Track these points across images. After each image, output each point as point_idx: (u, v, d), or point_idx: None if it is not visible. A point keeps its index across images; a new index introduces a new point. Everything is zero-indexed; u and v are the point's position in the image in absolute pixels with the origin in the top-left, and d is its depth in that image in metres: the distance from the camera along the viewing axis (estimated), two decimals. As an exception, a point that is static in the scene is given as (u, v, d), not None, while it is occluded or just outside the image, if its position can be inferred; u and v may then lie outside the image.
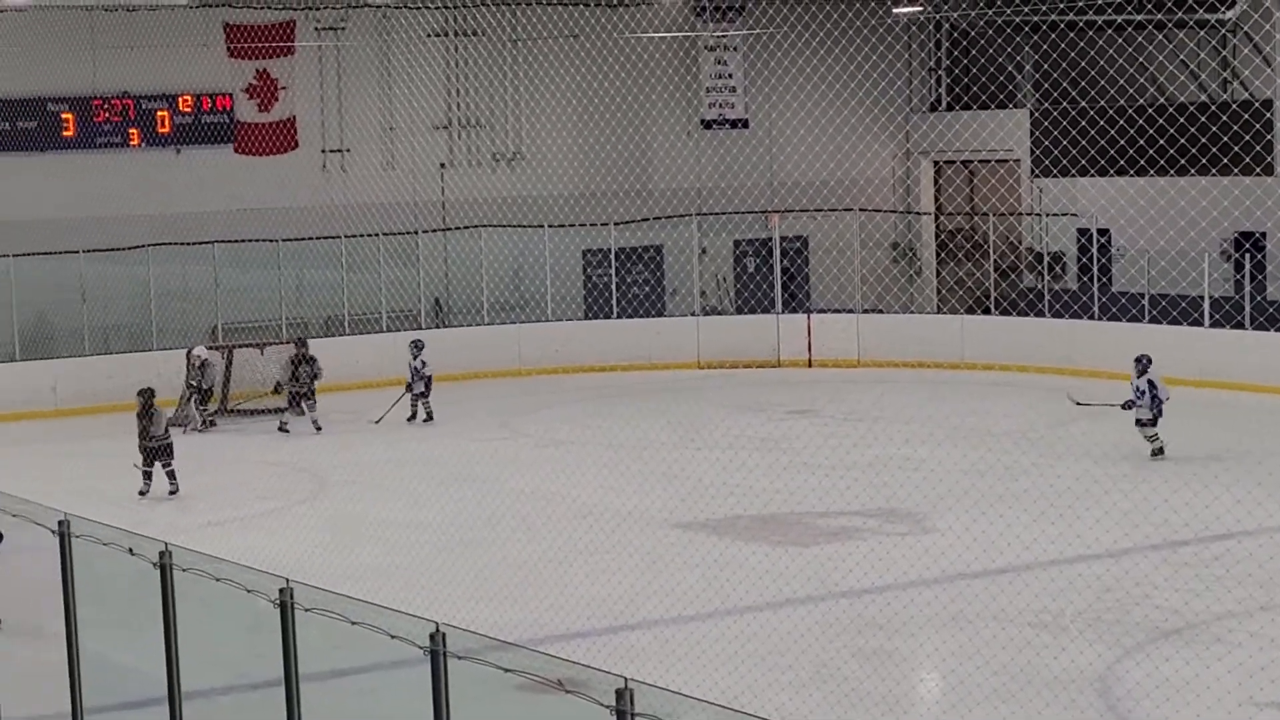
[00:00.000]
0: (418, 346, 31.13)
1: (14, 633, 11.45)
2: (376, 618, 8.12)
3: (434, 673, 7.74)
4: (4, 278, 33.74)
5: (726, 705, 7.31)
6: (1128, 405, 25.73)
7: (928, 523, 21.71)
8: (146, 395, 25.52)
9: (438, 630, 7.72)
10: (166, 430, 25.48)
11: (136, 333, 35.49)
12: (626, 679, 6.88)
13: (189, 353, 32.38)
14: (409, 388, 31.12)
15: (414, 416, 31.09)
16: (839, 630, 17.05)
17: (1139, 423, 25.62)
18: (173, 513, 24.06)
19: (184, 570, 9.37)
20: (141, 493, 24.95)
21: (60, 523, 10.13)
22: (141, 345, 35.07)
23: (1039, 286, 38.02)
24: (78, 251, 34.65)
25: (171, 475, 25.16)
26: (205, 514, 23.90)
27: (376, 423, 30.59)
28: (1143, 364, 25.81)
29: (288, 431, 30.41)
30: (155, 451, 25.21)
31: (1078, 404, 26.98)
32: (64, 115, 36.31)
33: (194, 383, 31.63)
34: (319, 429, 30.37)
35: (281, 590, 8.48)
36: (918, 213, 43.85)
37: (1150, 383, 25.56)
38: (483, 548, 21.21)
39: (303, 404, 30.68)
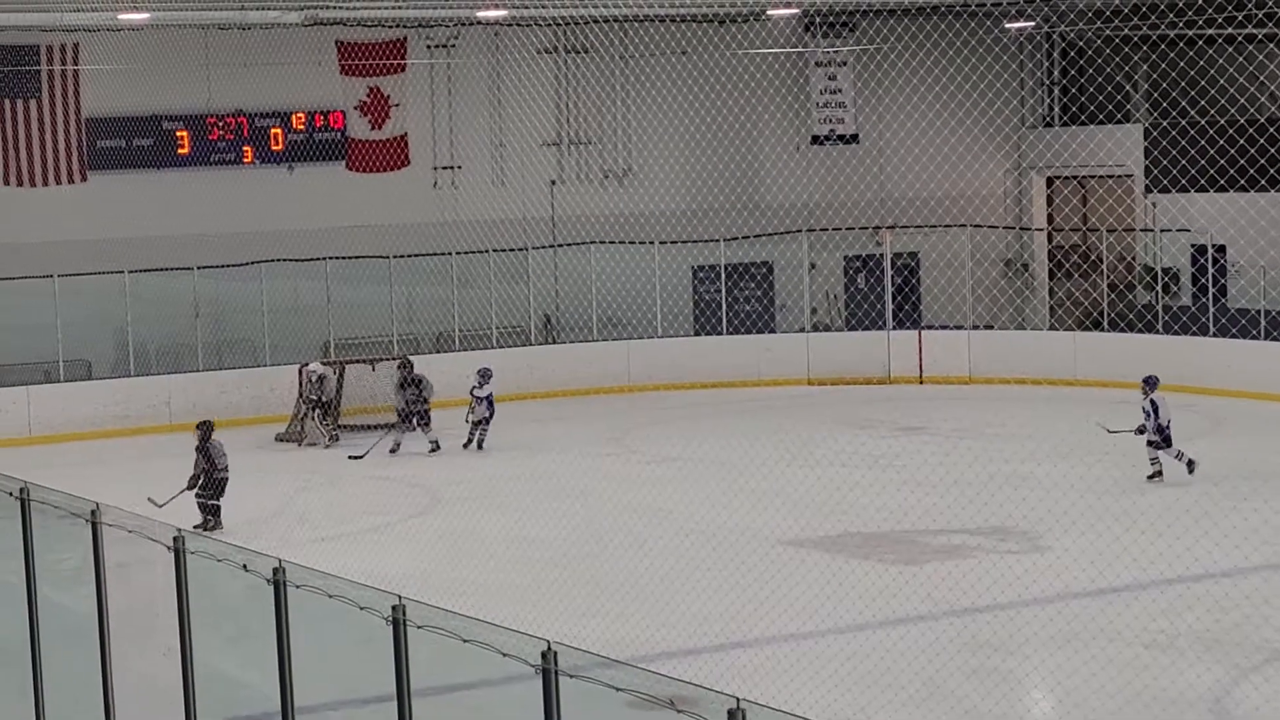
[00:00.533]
0: (485, 376, 30.48)
1: (129, 649, 11.54)
2: (488, 635, 8.11)
3: (545, 690, 7.72)
4: (119, 294, 34.10)
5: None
6: (1141, 430, 25.34)
7: (1040, 541, 21.53)
8: (206, 428, 24.60)
9: (549, 648, 7.72)
10: (225, 466, 24.36)
11: (249, 348, 35.79)
12: (738, 699, 6.85)
13: (302, 369, 32.61)
14: (469, 415, 30.40)
15: (469, 443, 30.33)
16: (950, 649, 16.92)
17: (1149, 444, 25.24)
18: (286, 528, 24.21)
19: (297, 586, 9.41)
20: (203, 527, 23.68)
21: (175, 539, 10.21)
22: (254, 361, 35.36)
23: (1153, 303, 37.67)
24: (192, 268, 34.99)
25: (216, 511, 23.99)
26: (318, 530, 24.03)
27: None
28: (1148, 386, 25.46)
29: (395, 453, 30.30)
30: (220, 485, 24.24)
31: (1110, 431, 26.41)
32: (179, 133, 36.71)
33: (313, 397, 31.84)
34: (436, 448, 30.17)
35: (394, 607, 8.49)
36: (1030, 228, 43.54)
37: (1153, 403, 25.18)
38: (593, 564, 21.21)
39: (416, 424, 30.53)
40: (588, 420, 33.01)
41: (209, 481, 24.11)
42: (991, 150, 43.11)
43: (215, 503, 24.07)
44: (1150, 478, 25.08)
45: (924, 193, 41.17)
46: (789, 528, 22.69)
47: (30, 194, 35.38)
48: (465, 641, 8.09)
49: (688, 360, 37.42)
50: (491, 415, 30.27)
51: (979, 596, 18.70)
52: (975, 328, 38.10)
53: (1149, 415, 25.19)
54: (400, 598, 8.57)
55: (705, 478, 26.61)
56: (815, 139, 41.92)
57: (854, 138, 42.09)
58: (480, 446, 30.25)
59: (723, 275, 38.85)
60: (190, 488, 23.98)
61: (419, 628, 8.47)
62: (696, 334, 39.31)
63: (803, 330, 39.09)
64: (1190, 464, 25.05)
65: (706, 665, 16.11)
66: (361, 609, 8.71)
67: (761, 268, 40.79)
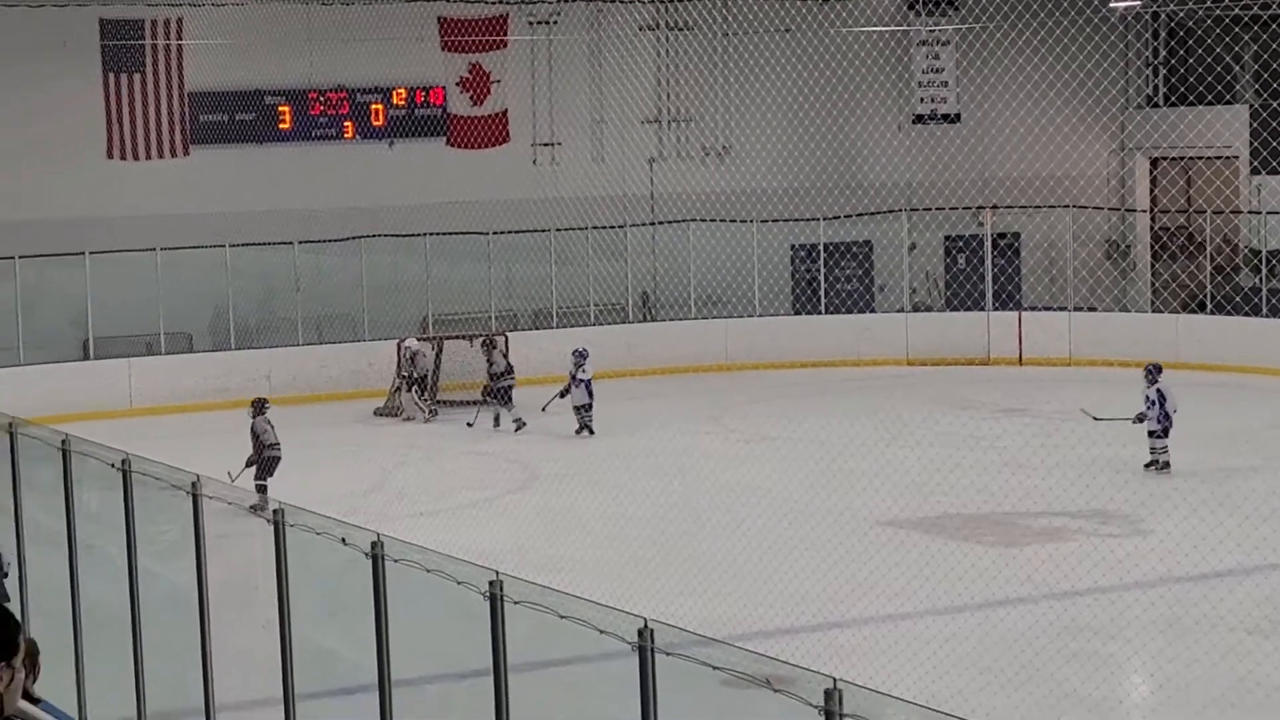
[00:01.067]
0: (584, 357, 29.99)
1: (228, 620, 11.61)
2: (584, 611, 8.09)
3: (641, 668, 7.69)
4: (220, 268, 34.33)
5: (934, 708, 7.19)
6: (1140, 418, 25.01)
7: (1142, 524, 21.34)
8: (254, 406, 24.52)
9: (645, 626, 7.68)
10: (275, 443, 24.07)
11: (348, 323, 35.96)
12: (835, 679, 6.79)
13: (400, 344, 32.75)
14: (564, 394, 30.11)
15: (581, 430, 29.87)
16: (1049, 632, 16.79)
17: (1149, 434, 24.90)
18: (384, 502, 24.32)
19: (395, 561, 9.42)
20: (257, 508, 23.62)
21: (275, 512, 10.24)
22: (353, 335, 35.53)
23: (1258, 285, 37.25)
24: (292, 243, 35.19)
25: (263, 490, 23.08)
26: (416, 504, 24.12)
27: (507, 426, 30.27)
28: (1152, 374, 25.13)
29: (499, 427, 30.41)
30: (269, 464, 23.92)
31: (1095, 419, 26.09)
32: (281, 108, 36.91)
33: (405, 374, 31.99)
34: (520, 426, 30.21)
35: (491, 583, 8.48)
36: (1133, 210, 43.13)
37: (1160, 393, 24.84)
38: (690, 542, 21.19)
39: (501, 402, 30.54)
40: (685, 398, 32.97)
41: (258, 461, 23.92)
42: (1095, 131, 42.73)
43: (261, 482, 23.51)
44: (1148, 466, 24.73)
45: (1026, 173, 40.80)
46: (887, 508, 22.58)
47: (134, 168, 35.66)
48: (562, 618, 8.07)
49: (786, 339, 37.32)
50: (591, 399, 30.02)
51: (1079, 580, 18.54)
52: (1077, 309, 37.79)
53: (1152, 404, 24.85)
54: (498, 573, 8.56)
55: (803, 457, 26.53)
56: (917, 118, 41.69)
57: (956, 117, 41.82)
58: (591, 431, 29.77)
59: (822, 254, 38.71)
60: (249, 465, 23.86)
61: (516, 603, 8.46)
62: (795, 313, 39.20)
63: (902, 310, 38.90)
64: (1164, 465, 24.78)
65: (803, 645, 16.05)
66: (459, 584, 8.70)
67: (861, 247, 40.61)
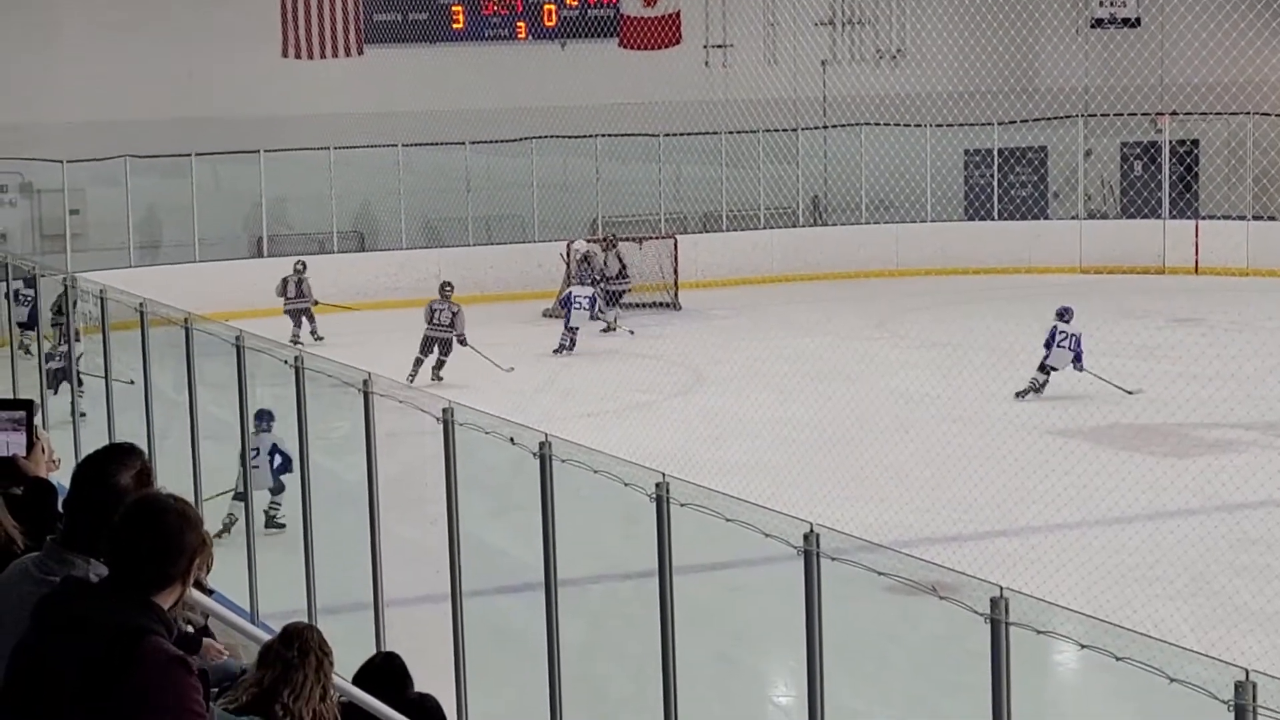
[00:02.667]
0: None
1: (397, 517, 11.76)
2: (750, 515, 8.10)
3: (806, 572, 7.70)
4: (393, 167, 34.59)
5: (1100, 617, 7.15)
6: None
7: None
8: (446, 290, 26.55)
9: (811, 530, 7.68)
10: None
11: (518, 224, 36.12)
12: (1001, 587, 6.76)
13: (569, 245, 32.88)
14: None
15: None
16: (1217, 544, 16.61)
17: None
18: (551, 403, 24.47)
19: (562, 461, 9.48)
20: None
21: (444, 410, 10.33)
22: (523, 236, 35.70)
23: None
24: (464, 143, 35.35)
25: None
26: (582, 405, 24.25)
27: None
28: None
29: (633, 333, 30.44)
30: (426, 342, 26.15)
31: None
32: (453, 8, 37.03)
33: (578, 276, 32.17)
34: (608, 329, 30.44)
35: (658, 485, 8.51)
36: (1317, 117, 42.25)
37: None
38: (855, 447, 21.13)
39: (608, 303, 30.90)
40: (854, 303, 32.84)
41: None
42: (1279, 35, 41.81)
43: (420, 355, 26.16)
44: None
45: (1207, 79, 40.04)
46: (1056, 418, 22.39)
47: (308, 66, 35.94)
48: (728, 520, 8.09)
49: (957, 245, 37.03)
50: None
51: (1250, 492, 18.30)
52: (1255, 218, 37.14)
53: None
54: (664, 475, 8.59)
55: (972, 364, 26.31)
56: (1095, 22, 41.01)
57: (1136, 21, 41.08)
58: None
59: (995, 160, 38.32)
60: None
61: (682, 505, 8.49)
62: (967, 219, 38.86)
63: (1076, 218, 38.44)
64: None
65: (969, 553, 15.99)
66: (625, 485, 8.75)
67: (1036, 153, 40.13)
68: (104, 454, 5.76)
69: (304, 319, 30.39)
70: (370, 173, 34.75)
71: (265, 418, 17.50)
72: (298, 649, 6.73)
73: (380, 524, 11.34)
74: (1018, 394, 24.14)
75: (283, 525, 17.00)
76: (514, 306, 32.97)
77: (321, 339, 29.77)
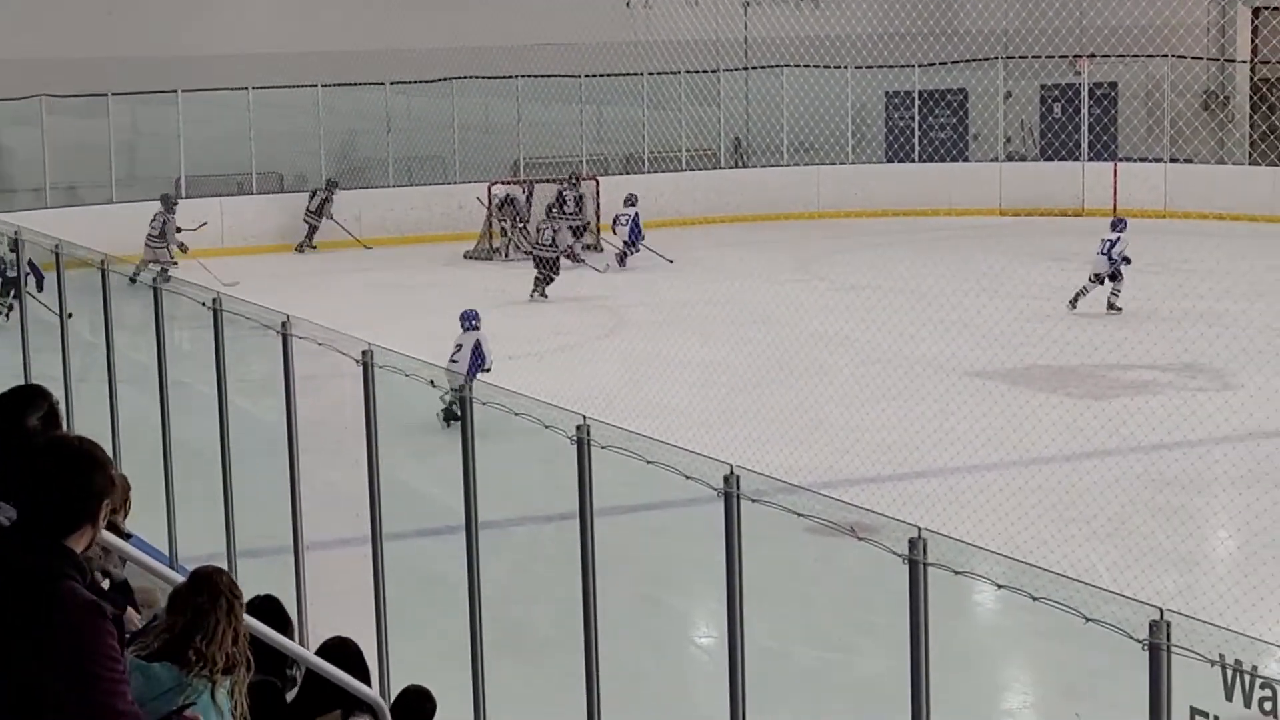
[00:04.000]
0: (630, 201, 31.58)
1: (317, 460, 11.72)
2: (671, 457, 8.12)
3: (726, 514, 7.72)
4: (312, 108, 34.37)
5: (1018, 558, 7.20)
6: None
7: (1230, 379, 21.20)
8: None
9: (731, 472, 7.70)
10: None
11: (440, 165, 35.97)
12: (920, 528, 6.81)
13: (490, 187, 32.84)
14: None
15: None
16: (1135, 485, 16.76)
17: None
18: (472, 345, 24.37)
19: (483, 404, 9.47)
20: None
21: (364, 353, 10.30)
22: (445, 178, 35.55)
23: (1359, 139, 36.73)
24: (383, 83, 35.14)
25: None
26: (505, 348, 24.17)
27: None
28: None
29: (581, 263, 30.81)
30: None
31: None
32: (375, -53, 36.71)
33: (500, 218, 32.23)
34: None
35: (579, 427, 8.51)
36: (1233, 60, 42.48)
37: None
38: (776, 390, 21.21)
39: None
40: (775, 246, 32.88)
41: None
42: (1197, -22, 42.01)
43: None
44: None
45: (1125, 21, 40.20)
46: (975, 358, 22.53)
47: (225, 5, 35.61)
48: (648, 463, 8.10)
49: (878, 187, 37.12)
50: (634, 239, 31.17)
51: (1167, 433, 18.47)
52: (1173, 161, 37.37)
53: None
54: (585, 417, 8.59)
55: (892, 306, 26.43)
56: (1015, -36, 41.06)
57: (1054, -37, 41.14)
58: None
59: (916, 102, 38.40)
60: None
61: (603, 448, 8.50)
62: (888, 161, 38.94)
63: (996, 160, 38.59)
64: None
65: (888, 494, 16.08)
66: (546, 428, 8.75)
67: (956, 95, 40.22)
68: (10, 396, 5.70)
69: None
70: (290, 113, 34.50)
71: (471, 317, 19.79)
72: (207, 593, 6.70)
73: (300, 467, 11.31)
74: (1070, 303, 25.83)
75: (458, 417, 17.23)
76: (436, 248, 32.85)
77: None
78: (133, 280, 15.80)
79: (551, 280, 28.14)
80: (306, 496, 11.28)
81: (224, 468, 12.25)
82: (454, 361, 19.10)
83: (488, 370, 19.29)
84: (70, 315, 15.17)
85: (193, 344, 16.04)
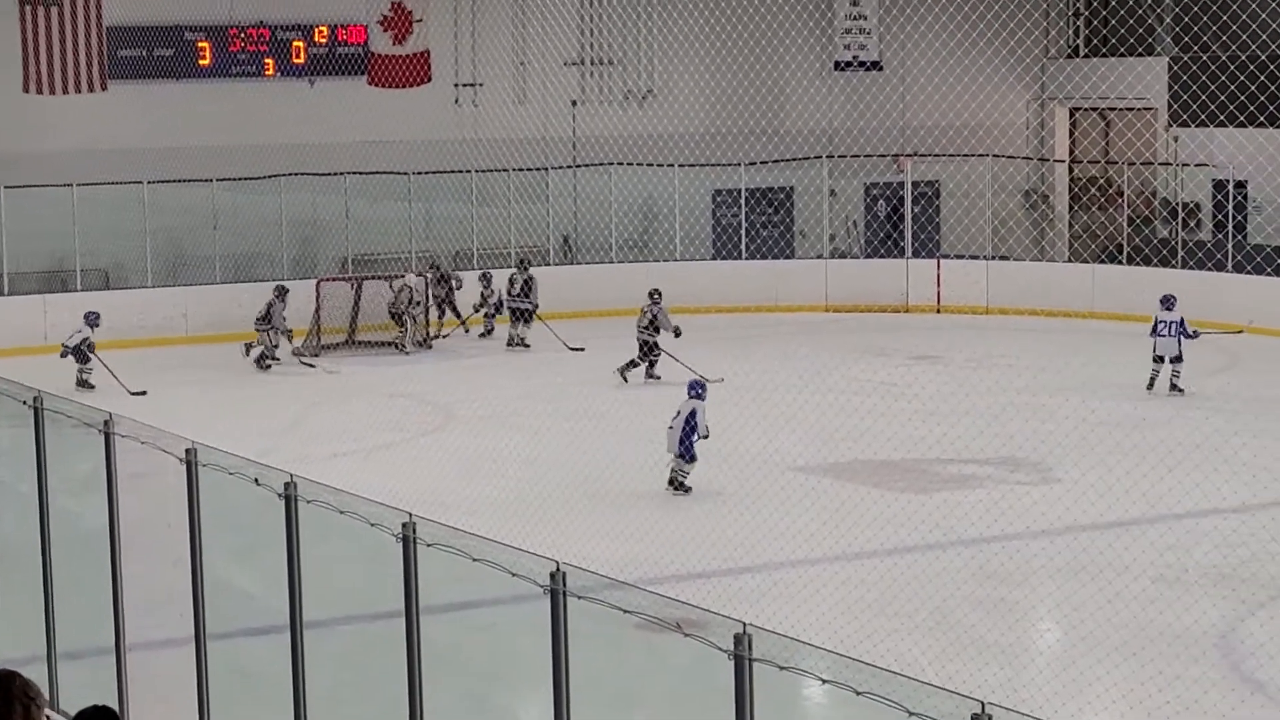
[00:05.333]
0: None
1: (140, 559, 11.61)
2: (497, 554, 8.15)
3: (553, 611, 7.77)
4: (138, 204, 34.11)
5: (844, 653, 7.30)
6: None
7: (1051, 472, 21.56)
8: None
9: (558, 569, 7.75)
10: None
11: (267, 262, 35.80)
12: (745, 623, 6.88)
13: (320, 283, 32.77)
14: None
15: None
16: (958, 578, 16.98)
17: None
18: (299, 443, 24.28)
19: (308, 502, 9.45)
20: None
21: (188, 451, 10.25)
22: (272, 275, 35.36)
23: (1172, 237, 37.56)
24: (210, 180, 34.96)
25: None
26: (331, 445, 24.09)
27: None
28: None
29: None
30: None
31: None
32: (200, 44, 36.61)
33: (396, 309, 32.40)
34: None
35: (405, 525, 8.53)
36: (1051, 159, 43.40)
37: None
38: (605, 485, 21.26)
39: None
40: (605, 342, 32.96)
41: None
42: (1015, 80, 42.89)
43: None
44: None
45: (945, 121, 40.99)
46: (801, 453, 22.73)
47: (50, 102, 35.26)
48: (475, 560, 8.13)
49: (706, 284, 37.38)
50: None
51: (988, 526, 18.74)
52: (994, 258, 38.03)
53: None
54: (411, 515, 8.61)
55: (719, 402, 26.56)
56: (838, 65, 41.72)
57: (877, 65, 41.88)
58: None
59: (743, 199, 38.78)
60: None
61: (429, 545, 8.52)
62: (715, 258, 39.25)
63: (821, 257, 39.05)
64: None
65: (715, 589, 16.17)
66: (372, 525, 8.75)
67: (782, 193, 40.69)
68: None
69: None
70: (115, 210, 34.19)
71: (695, 386, 21.14)
72: (1, 698, 6.51)
73: (123, 567, 11.20)
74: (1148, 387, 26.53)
75: (685, 488, 20.65)
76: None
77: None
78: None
79: (655, 360, 28.86)
80: (129, 596, 11.17)
81: (44, 567, 12.09)
82: (670, 428, 20.91)
83: (704, 438, 20.87)
84: None
85: (12, 442, 15.84)
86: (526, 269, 33.58)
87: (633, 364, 28.85)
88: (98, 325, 29.42)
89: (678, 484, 20.62)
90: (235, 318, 33.32)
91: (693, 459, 20.69)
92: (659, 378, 28.42)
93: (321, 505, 9.36)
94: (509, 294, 33.14)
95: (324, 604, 11.38)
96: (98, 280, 34.74)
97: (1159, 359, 26.50)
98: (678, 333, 29.00)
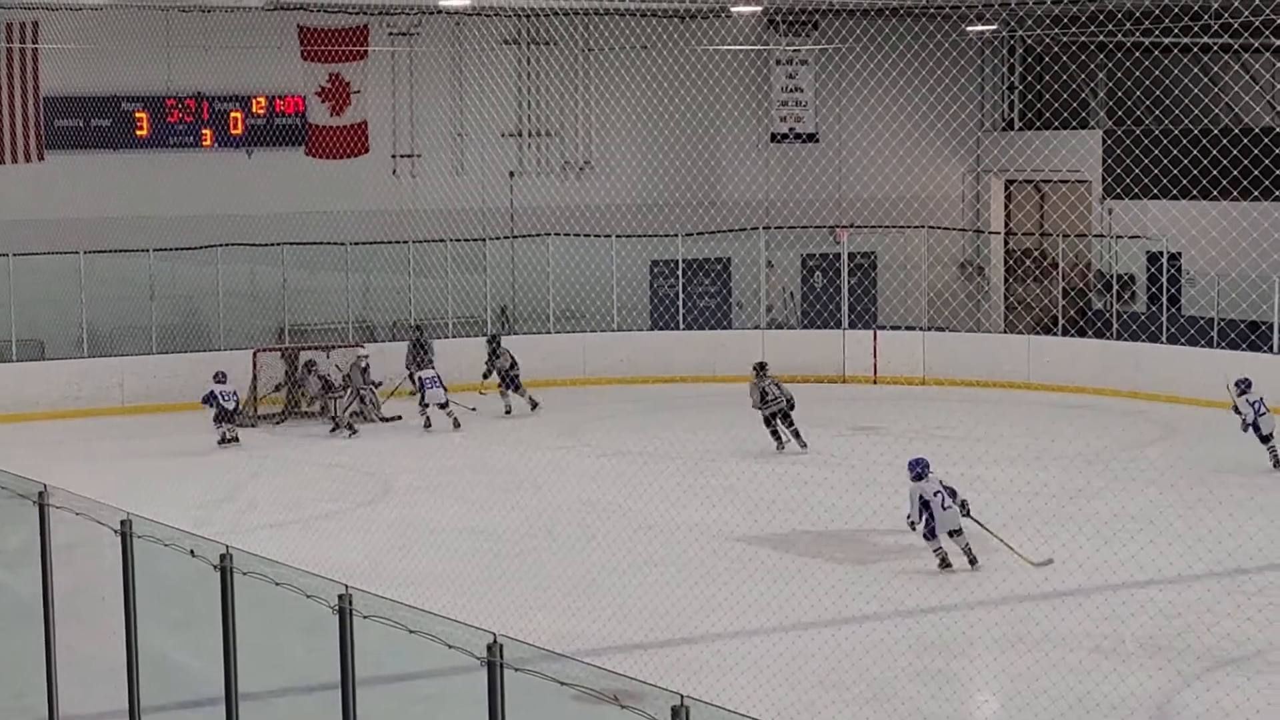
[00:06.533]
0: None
1: (74, 630, 11.51)
2: (434, 626, 8.12)
3: (490, 683, 7.74)
4: (74, 274, 33.98)
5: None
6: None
7: (988, 543, 21.58)
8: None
9: (495, 640, 7.72)
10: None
11: (204, 332, 35.69)
12: (683, 695, 6.86)
13: (257, 354, 32.63)
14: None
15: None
16: (898, 650, 16.97)
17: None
18: (235, 514, 24.16)
19: (244, 573, 9.40)
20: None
21: (123, 522, 10.18)
22: (209, 345, 35.25)
23: (1107, 309, 37.82)
24: (147, 250, 34.86)
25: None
26: (268, 516, 23.98)
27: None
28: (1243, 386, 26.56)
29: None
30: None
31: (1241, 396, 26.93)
32: (138, 114, 36.55)
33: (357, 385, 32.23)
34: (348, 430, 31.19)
35: (341, 596, 8.50)
36: (987, 231, 43.69)
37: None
38: (543, 557, 21.22)
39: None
40: (543, 413, 32.98)
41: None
42: (950, 153, 43.22)
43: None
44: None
45: (882, 193, 41.26)
46: (740, 524, 22.73)
47: (-15, 171, 35.19)
48: (411, 632, 8.09)
49: (643, 354, 37.43)
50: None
51: (927, 597, 18.76)
52: (930, 329, 38.20)
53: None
54: (347, 587, 8.57)
55: (658, 473, 26.60)
56: (775, 137, 41.96)
57: (813, 137, 42.13)
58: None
59: (680, 270, 38.88)
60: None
61: (365, 617, 8.48)
62: (653, 328, 39.31)
63: (758, 327, 39.15)
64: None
65: (653, 661, 16.12)
66: (308, 597, 8.71)
67: (719, 264, 40.83)
68: None
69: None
70: (51, 280, 34.05)
71: (920, 465, 20.33)
72: None
73: (57, 638, 11.10)
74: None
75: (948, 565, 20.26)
76: (199, 415, 32.47)
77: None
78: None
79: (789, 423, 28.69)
80: (63, 668, 11.07)
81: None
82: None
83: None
84: None
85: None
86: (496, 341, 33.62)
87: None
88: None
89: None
90: (170, 388, 33.21)
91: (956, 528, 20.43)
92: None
93: (257, 577, 9.31)
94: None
95: (260, 676, 11.29)
96: (33, 350, 34.56)
97: (1267, 437, 26.40)
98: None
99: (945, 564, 20.13)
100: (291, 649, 14.02)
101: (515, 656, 7.75)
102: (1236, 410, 26.46)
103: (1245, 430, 26.22)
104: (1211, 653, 16.86)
